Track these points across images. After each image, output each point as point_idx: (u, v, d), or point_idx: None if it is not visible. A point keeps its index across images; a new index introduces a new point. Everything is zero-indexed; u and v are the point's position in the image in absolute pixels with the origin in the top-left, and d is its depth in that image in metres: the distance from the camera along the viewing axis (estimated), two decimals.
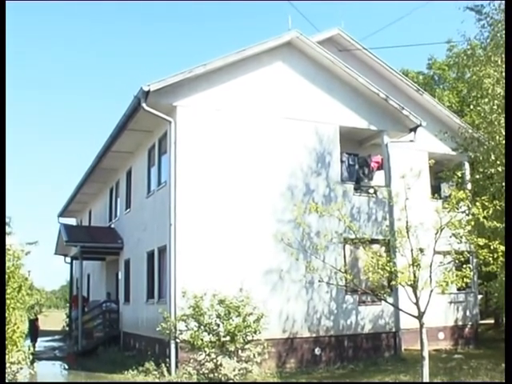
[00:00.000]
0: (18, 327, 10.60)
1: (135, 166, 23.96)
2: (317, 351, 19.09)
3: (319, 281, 17.40)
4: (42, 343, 28.61)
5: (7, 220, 19.72)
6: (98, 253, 27.26)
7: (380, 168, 21.51)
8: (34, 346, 21.31)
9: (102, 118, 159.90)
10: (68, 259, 31.80)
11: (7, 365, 10.12)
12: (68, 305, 37.54)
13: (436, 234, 13.64)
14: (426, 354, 13.52)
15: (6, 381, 10.06)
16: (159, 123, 19.11)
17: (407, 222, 13.83)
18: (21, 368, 10.51)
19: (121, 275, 25.55)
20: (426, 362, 13.46)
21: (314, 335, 19.15)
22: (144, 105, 17.75)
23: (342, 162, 20.86)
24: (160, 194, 19.91)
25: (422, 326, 13.62)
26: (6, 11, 9.45)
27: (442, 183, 23.81)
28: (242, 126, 19.13)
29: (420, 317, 13.59)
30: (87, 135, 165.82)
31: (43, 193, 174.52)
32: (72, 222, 39.53)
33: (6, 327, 10.26)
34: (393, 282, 15.12)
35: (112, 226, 27.68)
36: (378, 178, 21.45)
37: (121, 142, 22.03)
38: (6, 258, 10.72)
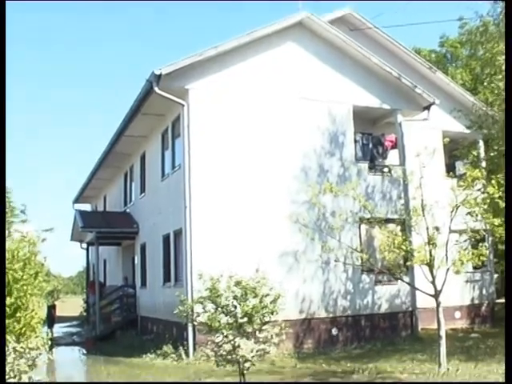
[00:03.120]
0: (35, 313, 10.64)
1: (149, 150, 23.98)
2: (334, 331, 19.12)
3: (335, 261, 17.47)
4: (60, 329, 28.80)
5: (22, 208, 19.92)
6: (113, 238, 27.39)
7: (394, 147, 21.40)
8: (51, 332, 21.44)
9: (116, 103, 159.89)
10: (84, 245, 31.98)
11: (26, 350, 10.18)
12: (85, 290, 37.78)
13: (451, 212, 13.55)
14: (442, 333, 13.50)
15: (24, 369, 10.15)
16: (172, 107, 19.08)
17: (422, 201, 13.75)
18: (40, 354, 10.55)
19: (137, 260, 25.66)
20: (443, 341, 13.45)
21: (330, 315, 19.18)
22: (156, 88, 17.73)
23: (355, 141, 20.78)
24: (174, 177, 19.92)
25: (438, 304, 13.59)
26: (5, 11, 9.38)
27: (457, 161, 23.67)
28: (255, 107, 19.06)
29: (436, 296, 13.55)
30: (102, 121, 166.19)
31: (58, 180, 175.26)
32: (87, 208, 39.66)
33: (24, 313, 10.32)
34: (409, 261, 15.07)
35: (127, 210, 27.76)
36: (393, 156, 21.34)
37: (134, 127, 22.03)
38: (22, 245, 10.76)
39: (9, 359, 9.83)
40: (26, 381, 10.33)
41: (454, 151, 22.20)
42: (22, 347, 10.09)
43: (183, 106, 18.40)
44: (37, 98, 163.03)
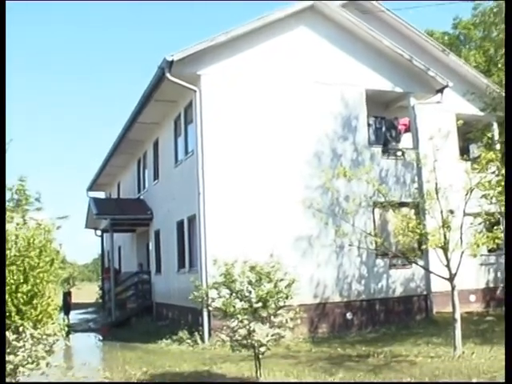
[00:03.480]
0: (52, 300, 10.71)
1: (162, 137, 24.02)
2: (348, 315, 19.15)
3: (349, 245, 17.48)
4: (76, 316, 29.01)
5: (37, 195, 20.03)
6: (127, 225, 27.53)
7: (407, 130, 21.31)
8: (68, 319, 21.61)
9: (130, 90, 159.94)
10: (98, 232, 32.13)
11: (43, 337, 10.27)
12: (100, 277, 37.99)
13: (466, 195, 13.49)
14: (457, 316, 13.48)
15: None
16: (184, 93, 19.08)
17: (436, 184, 13.70)
18: (57, 340, 10.65)
19: (151, 246, 25.76)
20: (458, 325, 13.43)
21: (345, 300, 19.21)
22: (168, 75, 17.73)
23: (368, 125, 20.72)
24: (187, 163, 19.95)
25: (453, 288, 13.56)
26: (5, 11, 9.37)
27: (471, 144, 23.56)
28: (267, 92, 19.01)
29: (451, 279, 13.52)
30: (115, 108, 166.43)
31: (72, 168, 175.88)
32: (101, 195, 39.79)
33: (41, 300, 10.39)
34: (423, 245, 15.04)
35: (141, 197, 27.86)
36: (406, 140, 21.24)
37: (146, 113, 22.05)
38: (38, 232, 10.82)
39: (26, 345, 9.93)
40: (44, 367, 10.44)
41: (468, 134, 22.07)
42: (39, 333, 10.18)
43: (195, 91, 18.40)
44: (51, 86, 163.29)
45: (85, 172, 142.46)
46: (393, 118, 21.54)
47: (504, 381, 5.91)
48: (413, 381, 10.92)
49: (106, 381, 10.82)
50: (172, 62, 17.49)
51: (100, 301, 33.99)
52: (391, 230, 18.28)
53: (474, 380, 10.49)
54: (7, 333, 9.91)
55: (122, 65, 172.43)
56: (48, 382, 6.80)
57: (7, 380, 10.54)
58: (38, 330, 10.19)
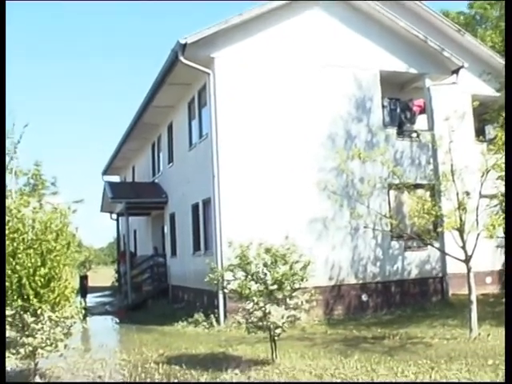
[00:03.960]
0: (69, 283, 10.81)
1: (176, 120, 24.02)
2: (364, 297, 19.17)
3: (364, 227, 17.47)
4: (92, 299, 29.22)
5: (52, 180, 20.16)
6: (143, 208, 27.62)
7: (422, 112, 21.17)
8: (84, 302, 21.79)
9: (143, 74, 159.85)
10: (114, 216, 32.22)
11: (61, 319, 10.37)
12: (116, 261, 38.20)
13: (482, 176, 13.43)
14: (473, 298, 13.47)
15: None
16: (198, 76, 19.05)
17: (452, 166, 13.63)
18: (74, 322, 10.75)
19: (166, 229, 25.85)
20: (474, 307, 13.42)
21: (360, 282, 19.22)
22: (182, 58, 17.68)
23: (383, 107, 20.59)
24: (202, 146, 19.96)
25: (469, 270, 13.53)
26: (5, 11, 9.37)
27: (487, 125, 23.37)
28: (281, 74, 18.93)
29: (467, 261, 13.49)
30: (128, 92, 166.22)
31: (86, 152, 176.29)
32: (116, 179, 39.92)
33: (58, 283, 10.48)
34: (439, 227, 15.01)
35: (156, 181, 27.93)
36: (421, 121, 21.11)
37: (160, 97, 22.03)
38: (54, 216, 10.90)
39: (45, 328, 10.06)
40: (62, 349, 10.55)
41: (484, 115, 21.90)
42: (57, 316, 10.30)
43: (209, 74, 18.36)
44: (66, 70, 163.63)
45: (100, 156, 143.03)
46: (408, 99, 21.39)
47: (504, 381, 5.92)
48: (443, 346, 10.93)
49: (107, 380, 10.88)
50: (185, 44, 17.44)
51: (116, 284, 34.16)
52: (406, 212, 18.25)
53: (490, 362, 10.48)
54: (25, 315, 10.02)
55: (137, 49, 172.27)
56: (48, 382, 6.85)
57: (26, 361, 10.68)
58: (56, 312, 10.31)
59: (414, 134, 20.81)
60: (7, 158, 16.34)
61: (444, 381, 6.28)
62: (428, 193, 16.51)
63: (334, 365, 10.94)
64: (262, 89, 18.66)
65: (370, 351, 12.53)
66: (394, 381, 7.39)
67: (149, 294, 25.79)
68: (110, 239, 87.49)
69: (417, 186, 17.01)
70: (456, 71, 20.80)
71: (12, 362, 11.24)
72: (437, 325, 15.61)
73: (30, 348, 10.12)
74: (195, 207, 20.95)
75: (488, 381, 6.45)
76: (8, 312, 10.09)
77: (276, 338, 11.32)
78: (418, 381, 6.34)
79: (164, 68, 19.40)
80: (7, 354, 10.26)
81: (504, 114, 17.72)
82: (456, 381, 6.32)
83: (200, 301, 19.68)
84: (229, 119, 18.26)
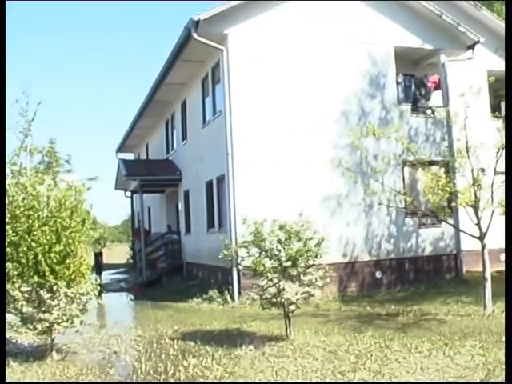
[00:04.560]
0: (84, 260, 10.88)
1: (189, 97, 23.97)
2: (378, 274, 19.18)
3: (378, 204, 17.40)
4: (107, 276, 29.37)
5: (67, 158, 20.25)
6: (157, 185, 27.67)
7: (437, 88, 20.98)
8: (100, 279, 21.92)
9: (157, 51, 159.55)
10: (128, 193, 32.32)
11: (77, 296, 10.46)
12: (130, 238, 38.38)
13: (497, 153, 13.31)
14: (488, 275, 13.44)
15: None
16: (211, 52, 18.97)
17: (467, 142, 13.54)
18: (90, 299, 10.84)
19: (181, 206, 25.92)
20: (488, 284, 13.39)
21: (374, 259, 19.22)
22: (195, 35, 17.60)
23: (397, 83, 20.42)
24: (216, 123, 19.94)
25: (483, 247, 13.49)
26: (5, 11, 9.32)
27: (503, 101, 23.14)
28: (294, 51, 18.80)
29: (481, 238, 13.44)
30: (142, 70, 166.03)
31: (101, 130, 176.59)
32: (130, 156, 39.98)
33: (73, 260, 10.56)
34: (453, 203, 14.94)
35: (170, 158, 27.94)
36: (436, 98, 20.95)
37: (174, 74, 21.97)
38: (69, 194, 10.95)
39: (61, 304, 10.15)
40: (78, 325, 10.65)
41: (500, 91, 21.68)
42: (72, 292, 10.38)
43: (222, 51, 18.28)
44: (80, 47, 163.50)
45: (114, 134, 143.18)
46: (422, 75, 21.21)
47: (504, 381, 5.91)
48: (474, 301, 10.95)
49: (122, 356, 10.97)
50: (198, 21, 17.36)
51: (131, 261, 34.34)
52: (421, 189, 18.21)
53: (504, 338, 10.47)
54: (42, 291, 10.11)
55: (151, 26, 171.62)
56: (48, 381, 6.91)
57: (43, 337, 10.80)
58: (72, 289, 10.40)
59: (429, 111, 20.68)
60: (22, 136, 16.41)
61: (444, 381, 6.32)
62: (442, 169, 16.43)
63: (347, 341, 10.98)
64: (276, 65, 18.56)
65: (383, 328, 12.56)
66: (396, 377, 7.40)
67: (163, 270, 25.91)
68: (124, 217, 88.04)
69: (431, 163, 16.94)
70: (472, 46, 20.56)
71: (29, 338, 11.40)
72: (451, 302, 15.60)
73: (47, 324, 10.23)
74: (209, 184, 20.98)
75: (488, 381, 6.46)
76: (24, 288, 10.18)
77: (290, 314, 11.37)
78: (420, 381, 6.37)
79: (177, 45, 19.32)
80: (24, 329, 10.39)
81: None
82: (455, 380, 6.36)
83: (214, 278, 19.77)
84: (242, 96, 18.21)
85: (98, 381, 8.83)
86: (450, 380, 7.99)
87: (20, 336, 11.59)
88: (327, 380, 8.15)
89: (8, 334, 12.43)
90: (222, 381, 6.63)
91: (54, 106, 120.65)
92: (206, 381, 6.63)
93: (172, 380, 8.56)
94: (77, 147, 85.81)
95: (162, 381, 8.60)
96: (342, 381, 7.35)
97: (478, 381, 6.52)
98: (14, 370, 9.70)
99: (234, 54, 18.27)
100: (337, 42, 19.23)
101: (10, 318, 11.25)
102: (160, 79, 22.98)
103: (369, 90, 19.68)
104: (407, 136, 18.65)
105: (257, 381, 8.32)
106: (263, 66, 18.44)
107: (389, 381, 6.43)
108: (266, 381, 7.53)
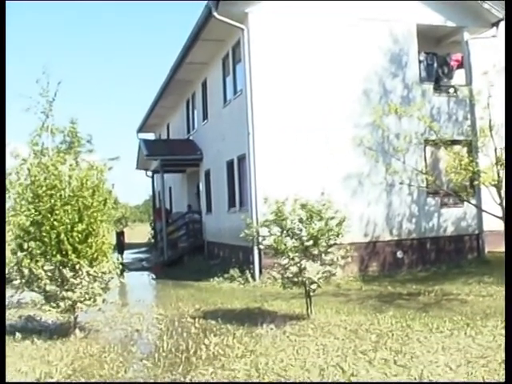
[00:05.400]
0: (106, 239, 10.93)
1: (210, 77, 23.91)
2: (399, 254, 19.13)
3: (400, 183, 17.33)
4: (129, 255, 29.58)
5: (88, 138, 20.20)
6: (178, 165, 27.71)
7: (460, 66, 20.73)
8: (121, 258, 22.09)
9: (178, 30, 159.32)
10: (149, 173, 32.42)
11: (99, 274, 10.53)
12: (152, 218, 38.54)
13: None
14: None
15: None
16: (232, 32, 18.89)
17: (490, 121, 13.43)
18: (112, 277, 10.91)
19: (201, 186, 25.97)
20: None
21: (395, 238, 19.17)
22: (215, 13, 17.54)
23: (419, 61, 20.19)
24: (236, 102, 19.89)
25: None
26: (5, 11, 9.29)
27: None
28: (315, 30, 18.66)
29: (504, 218, 13.33)
30: (164, 50, 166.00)
31: (122, 110, 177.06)
32: (151, 136, 40.05)
33: (95, 239, 10.62)
34: (476, 183, 14.85)
35: (190, 138, 27.94)
36: (459, 76, 20.72)
37: (194, 53, 21.89)
38: (90, 173, 11.00)
39: (83, 282, 10.23)
40: (100, 303, 10.73)
41: None
42: (94, 271, 10.45)
43: (243, 30, 18.19)
44: (101, 27, 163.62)
45: (135, 114, 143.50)
46: (445, 53, 20.96)
47: (504, 381, 5.87)
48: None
49: (144, 334, 11.05)
50: (219, 0, 17.29)
51: (152, 241, 34.53)
52: (443, 169, 18.08)
53: None
54: (64, 270, 10.20)
55: (171, 5, 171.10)
56: (48, 382, 6.97)
57: (66, 315, 10.91)
58: (94, 267, 10.46)
59: (452, 90, 20.44)
60: (43, 117, 16.47)
61: (443, 381, 6.31)
62: (465, 149, 16.33)
63: (368, 320, 10.98)
64: (297, 44, 18.44)
65: (404, 307, 12.54)
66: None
67: (184, 250, 26.04)
68: (145, 197, 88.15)
69: (454, 142, 16.83)
70: (496, 24, 20.24)
71: (53, 316, 11.53)
72: (472, 282, 15.52)
73: (70, 302, 10.32)
74: (230, 164, 20.98)
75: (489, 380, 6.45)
76: (47, 267, 10.26)
77: (311, 293, 11.38)
78: (424, 380, 6.37)
79: (198, 24, 19.25)
80: (48, 307, 10.51)
81: None
82: (477, 361, 6.34)
83: (235, 257, 19.83)
84: (263, 75, 18.14)
85: (121, 359, 8.90)
86: (472, 360, 7.97)
87: (44, 314, 11.73)
88: (348, 359, 8.16)
89: (32, 312, 12.64)
90: (222, 381, 6.66)
91: (75, 86, 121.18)
92: (207, 381, 6.66)
93: (194, 358, 8.61)
94: (98, 127, 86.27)
95: (183, 359, 8.65)
96: (342, 380, 7.34)
97: (480, 380, 6.50)
98: (38, 347, 9.83)
99: (255, 33, 18.17)
100: (359, 20, 18.99)
101: (33, 296, 11.41)
102: (181, 58, 22.93)
103: (390, 68, 19.50)
104: (429, 115, 18.49)
105: (274, 363, 8.34)
106: (284, 44, 18.33)
107: (388, 381, 6.44)
108: (269, 381, 7.50)
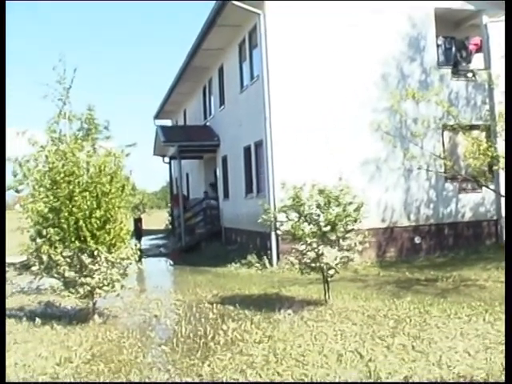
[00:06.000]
0: (124, 225, 10.97)
1: (226, 63, 23.86)
2: (417, 240, 19.07)
3: (418, 168, 17.22)
4: (147, 241, 29.66)
5: (105, 124, 20.22)
6: (195, 151, 27.67)
7: (479, 50, 20.50)
8: (139, 244, 22.16)
9: (194, 17, 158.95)
10: (166, 159, 32.46)
11: (117, 260, 10.58)
12: (169, 204, 38.62)
13: None
14: None
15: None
16: (248, 17, 18.81)
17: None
18: (130, 263, 10.95)
19: (219, 172, 25.97)
20: None
21: (413, 224, 19.11)
22: None
23: (437, 45, 19.99)
24: (253, 88, 19.84)
25: None
26: (5, 11, 9.25)
27: None
28: (332, 14, 18.48)
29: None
30: (179, 36, 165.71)
31: (139, 97, 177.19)
32: (168, 123, 40.05)
33: (113, 225, 10.66)
34: (494, 168, 14.72)
35: (207, 124, 27.94)
36: (477, 60, 20.50)
37: (211, 39, 21.84)
38: (108, 160, 11.02)
39: (102, 268, 10.28)
40: (119, 289, 10.79)
41: None
42: (113, 257, 10.50)
43: (259, 15, 18.12)
44: (115, 15, 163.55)
45: (152, 100, 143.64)
46: (463, 37, 20.74)
47: (504, 381, 5.83)
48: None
49: (163, 320, 11.10)
50: None
51: (169, 227, 34.61)
52: (461, 154, 17.96)
53: None
54: (83, 256, 10.26)
55: None
56: (48, 381, 7.01)
57: (85, 300, 10.98)
58: (112, 253, 10.51)
59: (470, 74, 20.24)
60: (60, 104, 16.53)
61: (444, 380, 6.29)
62: (484, 133, 16.18)
63: (386, 306, 10.96)
64: (314, 28, 18.33)
65: (422, 293, 12.52)
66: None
67: (202, 236, 26.10)
68: (162, 183, 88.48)
69: (472, 127, 16.68)
70: None
71: (72, 301, 11.60)
72: (491, 267, 15.45)
73: (89, 288, 10.38)
74: (247, 150, 20.96)
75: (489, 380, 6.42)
76: (66, 253, 10.33)
77: (329, 279, 11.37)
78: (424, 381, 6.36)
79: (214, 9, 19.20)
80: (67, 293, 10.59)
81: None
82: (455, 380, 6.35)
83: (253, 243, 19.86)
84: (280, 60, 18.07)
85: (139, 344, 8.95)
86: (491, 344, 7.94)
87: (63, 300, 11.81)
88: (366, 344, 8.16)
89: (51, 298, 12.73)
90: (224, 381, 6.68)
91: (92, 73, 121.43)
92: (209, 381, 6.69)
93: (212, 344, 8.64)
94: (116, 114, 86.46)
95: (202, 344, 8.68)
96: (361, 366, 7.34)
97: (482, 380, 6.48)
98: (57, 333, 9.91)
99: (272, 18, 18.09)
100: (376, 5, 18.81)
101: (52, 282, 11.48)
102: (197, 45, 22.89)
103: (408, 52, 19.35)
104: (447, 99, 18.31)
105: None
106: (300, 29, 18.23)
107: (390, 381, 6.44)
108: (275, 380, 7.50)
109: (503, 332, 8.50)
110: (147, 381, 7.12)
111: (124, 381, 7.14)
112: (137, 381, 6.92)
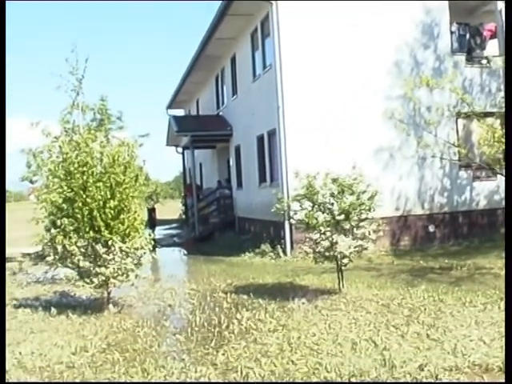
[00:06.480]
0: (138, 215, 10.99)
1: (239, 52, 23.80)
2: (430, 228, 18.99)
3: (432, 156, 17.13)
4: (160, 231, 29.72)
5: (118, 114, 20.31)
6: (208, 141, 27.66)
7: (493, 36, 20.29)
8: (153, 234, 22.23)
9: (206, 6, 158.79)
10: (179, 149, 32.46)
11: (131, 250, 10.61)
12: (182, 194, 38.66)
13: None
14: None
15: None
16: (260, 6, 18.76)
17: None
18: (144, 253, 10.98)
19: (232, 162, 25.96)
20: None
21: (427, 212, 19.03)
22: None
23: (451, 32, 19.81)
24: (266, 77, 19.79)
25: None
26: (5, 11, 9.22)
27: None
28: (345, 2, 18.34)
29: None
30: (192, 26, 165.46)
31: (151, 87, 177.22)
32: (180, 113, 40.02)
33: (127, 215, 10.68)
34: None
35: (220, 113, 27.91)
36: (492, 47, 20.32)
37: (223, 28, 21.79)
38: (122, 150, 11.03)
39: (116, 258, 10.32)
40: (133, 278, 10.82)
41: None
42: (127, 247, 10.54)
43: (271, 4, 18.04)
44: (127, 6, 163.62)
45: (164, 90, 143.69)
46: (478, 23, 20.55)
47: (504, 381, 5.80)
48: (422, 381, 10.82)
49: (177, 309, 11.12)
50: None
51: (183, 217, 34.64)
52: (475, 141, 17.83)
53: None
54: (97, 246, 10.29)
55: None
56: (48, 382, 7.03)
57: (99, 290, 11.03)
58: (126, 243, 10.54)
59: (485, 60, 20.06)
60: (73, 94, 16.58)
61: (444, 381, 6.25)
62: (498, 121, 16.02)
63: (400, 294, 10.93)
64: (326, 16, 18.20)
65: (436, 281, 12.48)
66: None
67: (215, 225, 26.12)
68: (176, 173, 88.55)
69: (486, 114, 16.55)
70: None
71: (87, 291, 11.67)
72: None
73: (103, 278, 10.43)
74: (260, 139, 20.93)
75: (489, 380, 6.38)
76: (80, 243, 10.37)
77: (343, 267, 11.36)
78: (426, 379, 6.32)
79: None
80: (81, 283, 10.64)
81: None
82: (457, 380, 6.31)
83: (266, 232, 19.85)
84: (292, 49, 18.00)
85: (154, 333, 8.98)
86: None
87: (77, 289, 11.89)
88: (381, 333, 8.14)
89: (66, 288, 12.81)
90: (224, 381, 6.68)
91: (105, 63, 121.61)
92: (210, 381, 6.69)
93: (226, 332, 8.66)
94: (128, 105, 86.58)
95: (216, 333, 8.71)
96: (375, 355, 7.32)
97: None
98: (73, 322, 9.98)
99: (284, 7, 18.00)
100: None
101: (67, 272, 11.54)
102: (209, 34, 22.85)
103: (422, 39, 19.20)
104: (461, 87, 18.16)
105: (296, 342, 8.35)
106: (313, 17, 18.12)
107: (392, 381, 6.41)
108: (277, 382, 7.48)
109: None
110: (158, 372, 7.12)
111: (138, 370, 7.15)
112: (141, 381, 6.92)
